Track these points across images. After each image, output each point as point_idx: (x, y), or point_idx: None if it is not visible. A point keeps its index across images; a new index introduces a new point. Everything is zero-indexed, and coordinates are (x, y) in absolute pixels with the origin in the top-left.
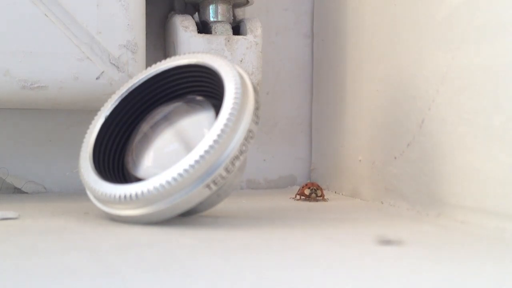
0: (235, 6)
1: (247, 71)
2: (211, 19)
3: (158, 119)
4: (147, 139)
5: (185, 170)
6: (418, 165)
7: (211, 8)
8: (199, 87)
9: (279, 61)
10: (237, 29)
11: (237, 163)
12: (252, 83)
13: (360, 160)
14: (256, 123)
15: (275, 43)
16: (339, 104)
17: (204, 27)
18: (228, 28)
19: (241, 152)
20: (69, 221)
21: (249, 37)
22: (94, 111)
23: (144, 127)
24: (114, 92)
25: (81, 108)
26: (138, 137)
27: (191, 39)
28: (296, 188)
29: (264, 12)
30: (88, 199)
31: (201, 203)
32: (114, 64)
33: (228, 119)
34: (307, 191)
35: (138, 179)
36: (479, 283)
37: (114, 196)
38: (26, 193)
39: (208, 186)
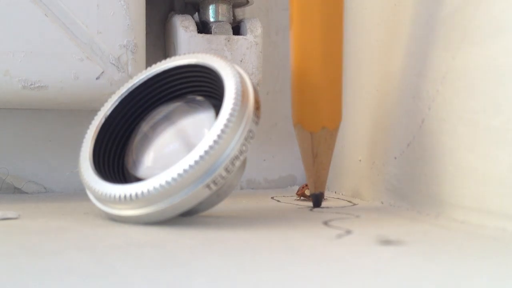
0: (235, 6)
1: (247, 71)
2: (211, 19)
3: (158, 119)
4: (147, 139)
5: (185, 170)
6: (418, 165)
7: (211, 8)
8: (199, 87)
9: (279, 61)
10: (237, 29)
11: (237, 163)
12: (252, 83)
13: (360, 160)
14: (256, 123)
15: (275, 43)
16: None
17: (204, 27)
18: (228, 28)
19: (241, 152)
20: (69, 221)
21: (249, 37)
22: (94, 111)
23: (144, 127)
24: (114, 92)
25: (81, 108)
26: (138, 137)
27: (191, 39)
28: (296, 188)
29: (264, 12)
30: (88, 199)
31: (201, 203)
32: (114, 64)
33: (228, 119)
34: (307, 192)
35: (138, 179)
36: (479, 283)
37: (114, 196)
38: (26, 193)
39: (208, 186)
